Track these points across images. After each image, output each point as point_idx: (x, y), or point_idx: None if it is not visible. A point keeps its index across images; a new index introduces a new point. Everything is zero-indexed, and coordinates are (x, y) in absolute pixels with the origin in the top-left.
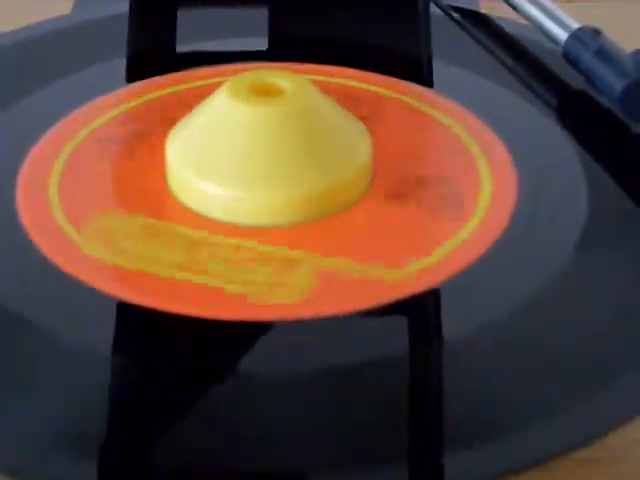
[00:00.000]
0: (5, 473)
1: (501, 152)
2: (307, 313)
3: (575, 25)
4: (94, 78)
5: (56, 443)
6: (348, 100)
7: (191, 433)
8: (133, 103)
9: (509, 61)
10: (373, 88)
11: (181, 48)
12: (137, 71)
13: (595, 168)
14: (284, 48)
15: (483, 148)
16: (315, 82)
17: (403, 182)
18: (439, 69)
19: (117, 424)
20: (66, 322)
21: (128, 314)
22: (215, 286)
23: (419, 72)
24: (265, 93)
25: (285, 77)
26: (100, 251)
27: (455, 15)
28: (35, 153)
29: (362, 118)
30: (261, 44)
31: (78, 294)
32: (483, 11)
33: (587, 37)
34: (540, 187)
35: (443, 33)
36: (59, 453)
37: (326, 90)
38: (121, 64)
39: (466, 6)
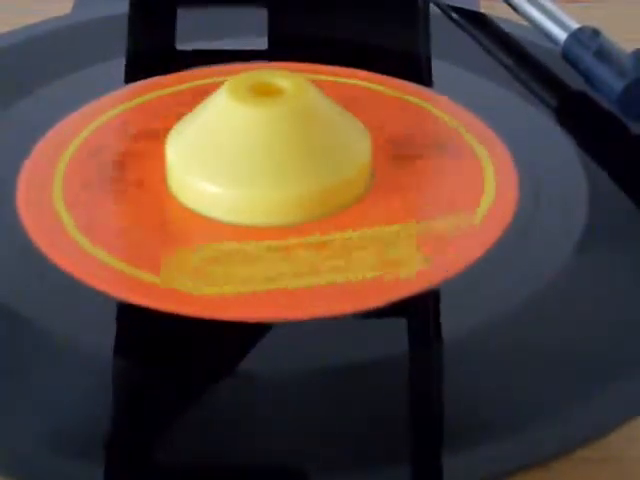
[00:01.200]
0: (5, 473)
1: (502, 152)
2: (307, 313)
3: (574, 25)
4: (94, 78)
5: (56, 443)
6: (348, 100)
7: (191, 433)
8: (133, 103)
9: (508, 61)
10: (373, 88)
11: (181, 48)
12: (137, 71)
13: (595, 168)
14: (284, 48)
15: (484, 148)
16: (315, 82)
17: (403, 182)
18: (439, 69)
19: (117, 424)
20: (66, 322)
21: (128, 314)
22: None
23: (419, 72)
24: (265, 93)
25: (285, 77)
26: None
27: (454, 15)
28: (36, 153)
29: (361, 117)
30: (261, 44)
31: (78, 294)
32: (483, 11)
33: (586, 37)
34: (540, 187)
35: (443, 33)
36: (59, 453)
37: (326, 90)
38: (121, 64)
39: (466, 6)
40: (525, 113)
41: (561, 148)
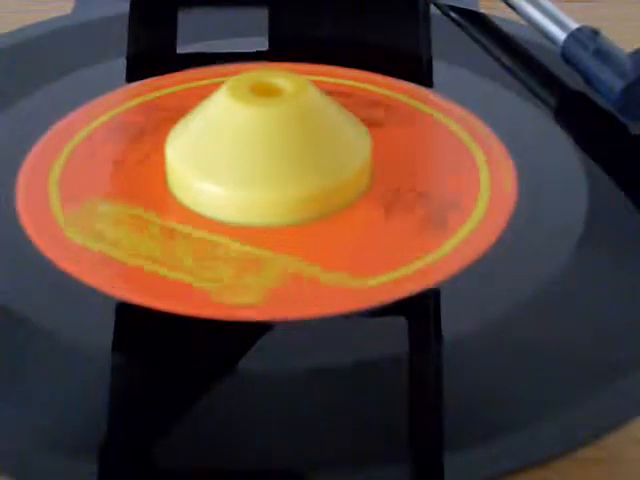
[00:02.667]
0: (5, 473)
1: (500, 152)
2: (306, 313)
3: (574, 25)
4: (94, 78)
5: (56, 443)
6: (348, 100)
7: (191, 433)
8: (133, 103)
9: (508, 61)
10: (373, 88)
11: (181, 48)
12: (137, 71)
13: (594, 168)
14: (284, 48)
15: (483, 148)
16: (315, 82)
17: (402, 182)
18: (438, 69)
19: (116, 424)
20: (66, 322)
21: (128, 314)
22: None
23: (419, 72)
24: (265, 93)
25: (285, 77)
26: (88, 241)
27: (454, 15)
28: (35, 153)
29: (362, 118)
30: (261, 44)
31: (78, 294)
32: (482, 11)
33: (586, 37)
34: (539, 187)
35: (442, 33)
36: (59, 453)
37: (326, 90)
38: (121, 64)
39: (466, 6)
40: (524, 113)
41: (560, 148)
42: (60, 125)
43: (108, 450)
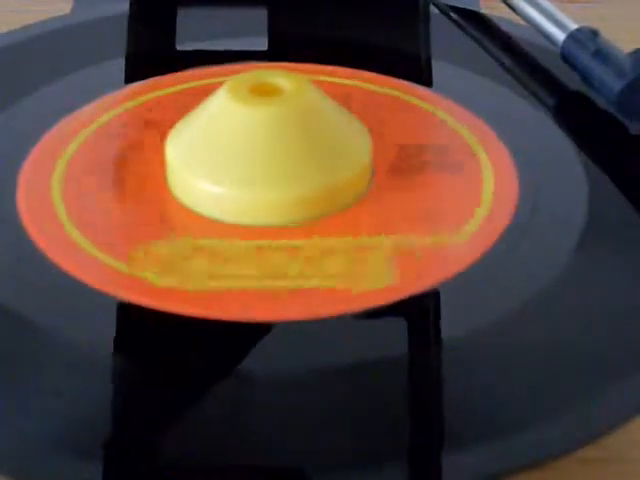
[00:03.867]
0: (5, 473)
1: (501, 151)
2: (307, 313)
3: (573, 26)
4: (94, 78)
5: (56, 443)
6: (348, 100)
7: (191, 433)
8: (133, 103)
9: (507, 61)
10: (373, 88)
11: (181, 48)
12: (137, 71)
13: (594, 168)
14: (284, 48)
15: (485, 148)
16: (315, 82)
17: (402, 182)
18: (438, 69)
19: (117, 424)
20: (66, 322)
21: (128, 314)
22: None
23: (419, 72)
24: (265, 93)
25: (285, 77)
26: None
27: (453, 15)
28: (36, 153)
29: (362, 118)
30: (261, 44)
31: (78, 294)
32: (483, 11)
33: (585, 38)
34: (539, 187)
35: (442, 33)
36: (59, 453)
37: (326, 90)
38: (121, 64)
39: (467, 6)
40: (523, 113)
41: (560, 148)
42: (60, 125)
43: (108, 450)
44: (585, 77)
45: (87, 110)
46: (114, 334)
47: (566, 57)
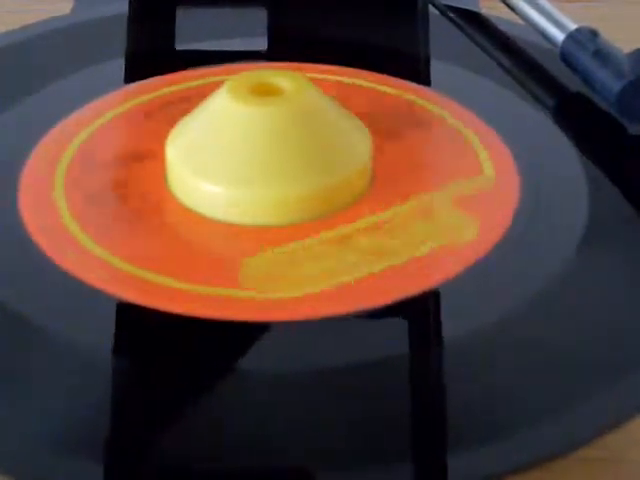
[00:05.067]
0: (5, 473)
1: (502, 151)
2: (306, 313)
3: (572, 26)
4: (94, 78)
5: (56, 443)
6: (348, 100)
7: (191, 433)
8: (133, 103)
9: (507, 62)
10: (373, 87)
11: (181, 48)
12: (137, 71)
13: (593, 169)
14: (284, 48)
15: (486, 148)
16: (315, 82)
17: (402, 181)
18: (438, 69)
19: (117, 424)
20: (66, 322)
21: (128, 314)
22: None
23: (419, 72)
24: (265, 93)
25: (285, 77)
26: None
27: (452, 15)
28: (36, 153)
29: (362, 117)
30: (261, 44)
31: (79, 294)
32: (482, 11)
33: (584, 38)
34: (540, 187)
35: (442, 33)
36: (59, 453)
37: (326, 90)
38: (121, 64)
39: (467, 6)
40: (523, 113)
41: (559, 148)
42: (61, 125)
43: (108, 450)
44: (584, 77)
45: (87, 110)
46: (114, 334)
47: (565, 57)
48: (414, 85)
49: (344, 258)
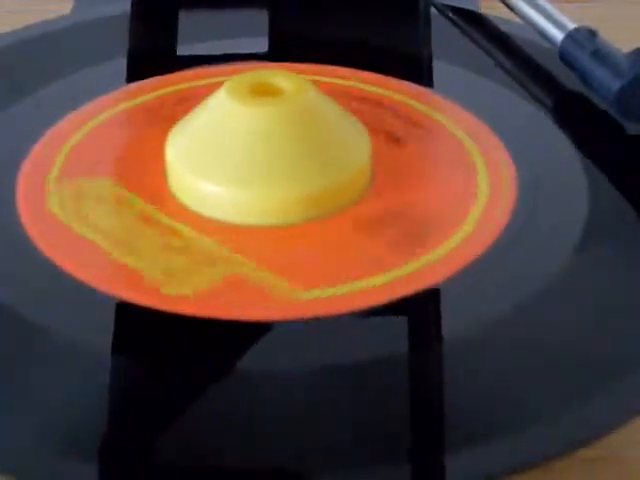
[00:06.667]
0: (5, 473)
1: (500, 151)
2: (307, 313)
3: (571, 25)
4: (94, 78)
5: (56, 443)
6: (348, 100)
7: (191, 433)
8: (133, 103)
9: (506, 61)
10: (373, 88)
11: (181, 48)
12: (137, 71)
13: (592, 168)
14: (284, 48)
15: (483, 148)
16: (315, 82)
17: (402, 182)
18: (438, 69)
19: (117, 424)
20: (66, 322)
21: (128, 314)
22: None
23: (419, 72)
24: (265, 93)
25: (285, 77)
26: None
27: (452, 15)
28: (35, 153)
29: (362, 118)
30: (261, 44)
31: (78, 294)
32: (481, 11)
33: (583, 37)
34: (538, 187)
35: (441, 33)
36: (59, 453)
37: (326, 90)
38: (121, 64)
39: (466, 6)
40: (522, 112)
41: (558, 148)
42: (60, 125)
43: (108, 450)
44: (583, 77)
45: (87, 110)
46: (114, 334)
47: (564, 57)
48: (414, 85)
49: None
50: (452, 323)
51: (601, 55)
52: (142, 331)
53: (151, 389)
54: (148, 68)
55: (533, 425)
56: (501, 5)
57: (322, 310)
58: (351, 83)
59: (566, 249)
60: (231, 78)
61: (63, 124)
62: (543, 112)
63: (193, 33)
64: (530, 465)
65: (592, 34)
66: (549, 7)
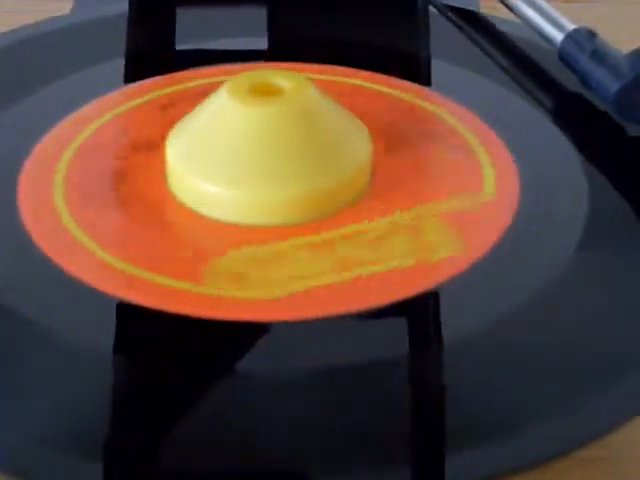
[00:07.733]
0: (5, 473)
1: (501, 151)
2: (305, 313)
3: (571, 26)
4: (94, 78)
5: (56, 443)
6: (348, 100)
7: (191, 433)
8: (133, 103)
9: (506, 62)
10: (373, 87)
11: (181, 48)
12: (137, 71)
13: (591, 168)
14: (284, 48)
15: (485, 148)
16: (315, 82)
17: (403, 181)
18: (438, 69)
19: (117, 424)
20: (66, 322)
21: (128, 314)
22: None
23: (419, 72)
24: (265, 93)
25: (285, 77)
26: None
27: (451, 15)
28: (36, 153)
29: (362, 117)
30: (261, 44)
31: (79, 294)
32: (481, 11)
33: (582, 38)
34: (539, 188)
35: (441, 33)
36: (59, 453)
37: (326, 90)
38: (121, 64)
39: (466, 6)
40: (521, 113)
41: (558, 148)
42: (61, 125)
43: (108, 450)
44: (583, 78)
45: (87, 110)
46: (114, 334)
47: (564, 58)
48: (414, 85)
49: (342, 258)
50: (452, 323)
51: (600, 56)
52: (142, 331)
53: (151, 389)
54: (148, 68)
55: (533, 425)
56: (501, 5)
57: (322, 310)
58: (351, 82)
59: (566, 249)
60: (231, 78)
61: (63, 124)
62: (543, 113)
63: (193, 33)
64: (530, 465)
65: (591, 35)
66: (549, 8)
